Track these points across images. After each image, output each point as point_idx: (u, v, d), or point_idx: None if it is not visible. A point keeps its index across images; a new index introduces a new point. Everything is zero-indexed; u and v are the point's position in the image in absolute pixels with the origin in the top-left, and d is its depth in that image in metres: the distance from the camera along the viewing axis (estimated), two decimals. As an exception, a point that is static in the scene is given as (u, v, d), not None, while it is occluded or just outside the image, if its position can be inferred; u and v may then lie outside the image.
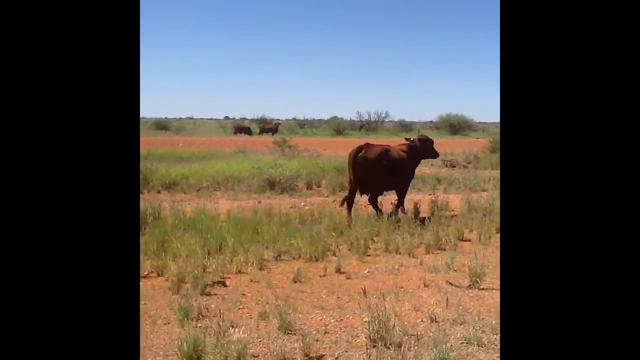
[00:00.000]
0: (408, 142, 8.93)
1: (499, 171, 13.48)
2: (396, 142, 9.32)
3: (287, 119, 59.32)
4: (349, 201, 8.09)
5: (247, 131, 37.66)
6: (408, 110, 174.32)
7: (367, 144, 8.37)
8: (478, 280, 4.76)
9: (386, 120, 47.18)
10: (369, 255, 6.01)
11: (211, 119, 54.18)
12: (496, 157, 16.55)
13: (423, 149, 8.89)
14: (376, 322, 3.48)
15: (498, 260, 5.70)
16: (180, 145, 22.21)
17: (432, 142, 9.16)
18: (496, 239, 6.83)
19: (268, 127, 39.26)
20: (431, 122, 44.54)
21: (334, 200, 9.92)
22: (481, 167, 15.81)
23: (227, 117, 56.26)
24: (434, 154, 9.19)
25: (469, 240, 6.78)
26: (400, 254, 6.04)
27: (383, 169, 7.95)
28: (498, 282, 4.83)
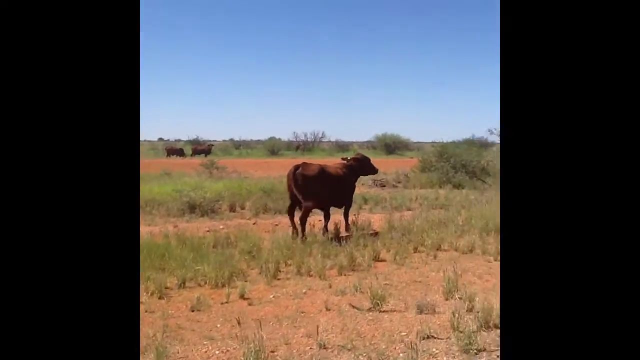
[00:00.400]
0: (344, 161, 9.21)
1: (425, 190, 12.66)
2: (332, 162, 9.52)
3: (223, 140, 58.58)
4: (290, 217, 8.34)
5: (180, 153, 36.87)
6: (345, 130, 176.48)
7: (304, 163, 8.61)
8: (379, 302, 4.62)
9: (323, 140, 47.47)
10: (278, 279, 5.77)
11: (144, 141, 52.69)
12: (425, 177, 16.87)
13: (360, 167, 9.20)
14: (252, 354, 3.25)
15: (410, 280, 5.87)
16: None
17: (368, 159, 9.46)
18: (412, 259, 6.78)
19: (201, 148, 38.62)
20: (368, 142, 45.13)
21: (254, 223, 9.68)
22: (410, 186, 15.95)
23: (160, 139, 54.84)
24: (373, 170, 9.51)
25: (385, 261, 6.68)
26: (311, 276, 5.84)
27: (320, 185, 8.17)
28: (401, 303, 4.78)
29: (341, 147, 45.19)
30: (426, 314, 4.45)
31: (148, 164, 24.80)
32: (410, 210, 11.27)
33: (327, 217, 8.72)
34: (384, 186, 16.02)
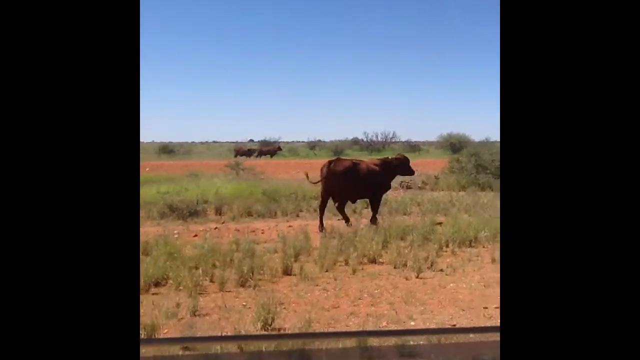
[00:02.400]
0: (384, 159, 9.96)
1: (448, 193, 11.62)
2: (373, 160, 10.25)
3: (298, 141, 59.22)
4: (320, 210, 9.02)
5: (248, 154, 37.52)
6: (416, 130, 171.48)
7: (338, 159, 9.70)
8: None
9: (394, 140, 46.25)
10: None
11: (227, 142, 54.55)
12: (453, 178, 15.65)
13: (398, 167, 9.80)
14: None
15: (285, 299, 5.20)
16: (147, 169, 21.86)
17: (407, 161, 10.04)
18: (331, 273, 6.04)
19: (266, 149, 39.04)
20: (437, 141, 43.35)
21: (215, 227, 9.27)
22: (437, 189, 14.85)
23: (237, 142, 56.64)
24: (410, 172, 10.12)
25: (294, 275, 5.99)
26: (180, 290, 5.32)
27: (350, 180, 8.93)
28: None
29: (412, 147, 43.71)
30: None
31: (203, 165, 25.17)
32: (405, 215, 10.40)
33: (374, 207, 9.42)
34: (410, 188, 15.03)
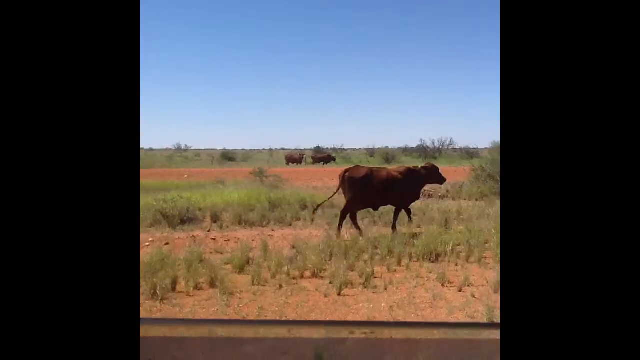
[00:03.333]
0: (410, 168, 10.04)
1: (465, 202, 11.24)
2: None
3: (359, 149, 59.00)
4: (352, 217, 9.27)
5: (299, 160, 37.80)
6: (474, 137, 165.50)
7: (357, 166, 9.92)
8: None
9: (450, 147, 44.89)
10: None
11: (283, 149, 55.33)
12: (476, 187, 14.88)
13: (426, 175, 9.87)
14: None
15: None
16: (185, 176, 22.41)
17: (436, 169, 10.06)
18: (258, 288, 5.83)
19: (320, 156, 39.19)
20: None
21: (192, 236, 9.25)
22: (458, 198, 14.20)
23: (297, 148, 57.45)
24: (440, 180, 10.13)
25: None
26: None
27: (368, 188, 9.14)
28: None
29: (470, 153, 42.15)
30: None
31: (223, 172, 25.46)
32: (402, 225, 9.97)
33: (395, 215, 9.61)
34: (431, 197, 14.46)
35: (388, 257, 7.08)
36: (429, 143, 44.87)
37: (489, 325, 1.49)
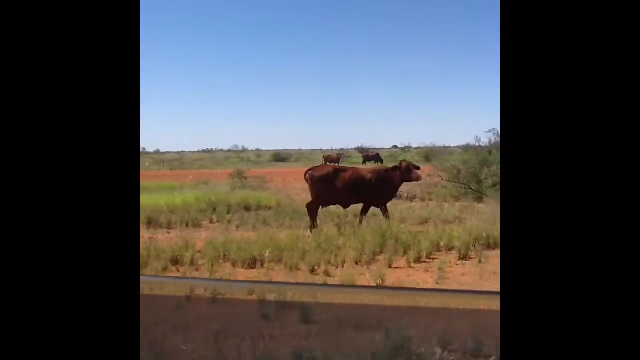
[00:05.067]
0: (382, 167, 10.68)
1: (436, 203, 11.20)
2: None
3: (395, 147, 58.02)
4: (312, 213, 9.64)
5: (337, 161, 38.19)
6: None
7: (322, 165, 10.49)
8: None
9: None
10: None
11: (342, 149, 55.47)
12: (452, 191, 14.67)
13: (399, 174, 10.04)
14: None
15: None
16: (190, 178, 22.38)
17: (408, 168, 10.15)
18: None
19: (371, 155, 39.24)
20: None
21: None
22: (427, 199, 14.14)
23: (342, 148, 56.97)
24: (413, 178, 10.23)
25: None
26: None
27: (330, 186, 9.60)
28: None
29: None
30: None
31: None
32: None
33: (362, 213, 9.78)
34: (401, 198, 14.44)
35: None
36: (484, 140, 43.19)
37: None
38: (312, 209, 9.75)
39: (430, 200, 13.96)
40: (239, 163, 39.43)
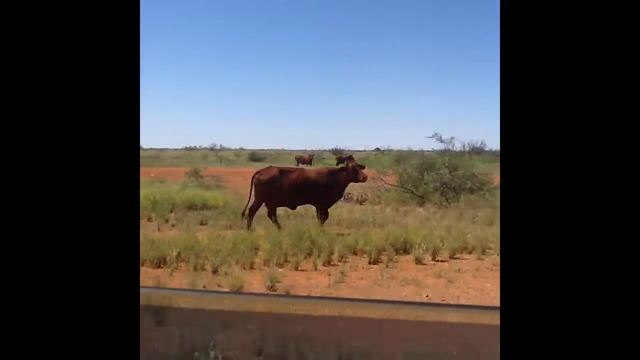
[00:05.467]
0: (329, 168, 10.82)
1: (376, 207, 11.51)
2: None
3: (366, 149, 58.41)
4: (270, 215, 9.78)
5: (309, 162, 38.31)
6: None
7: (268, 167, 10.58)
8: None
9: (484, 149, 41.32)
10: None
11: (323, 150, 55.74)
12: (400, 195, 14.85)
13: (345, 175, 10.22)
14: None
15: None
16: (152, 175, 22.52)
17: (354, 169, 10.25)
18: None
19: (344, 157, 39.26)
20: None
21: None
22: (375, 203, 14.27)
23: (317, 149, 56.99)
24: (357, 179, 10.27)
25: None
26: None
27: (276, 188, 9.73)
28: None
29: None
30: None
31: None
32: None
33: (318, 214, 9.93)
34: (349, 200, 14.57)
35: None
36: (458, 145, 43.15)
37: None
38: (253, 212, 9.82)
39: (379, 203, 14.08)
40: (213, 162, 39.31)
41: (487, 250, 7.96)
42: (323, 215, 9.97)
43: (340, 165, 10.66)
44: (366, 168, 10.85)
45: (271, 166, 10.90)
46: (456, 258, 7.72)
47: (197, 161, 38.05)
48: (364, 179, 10.59)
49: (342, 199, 13.28)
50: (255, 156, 47.70)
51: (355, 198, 14.67)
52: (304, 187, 9.88)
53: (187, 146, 76.88)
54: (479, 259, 7.59)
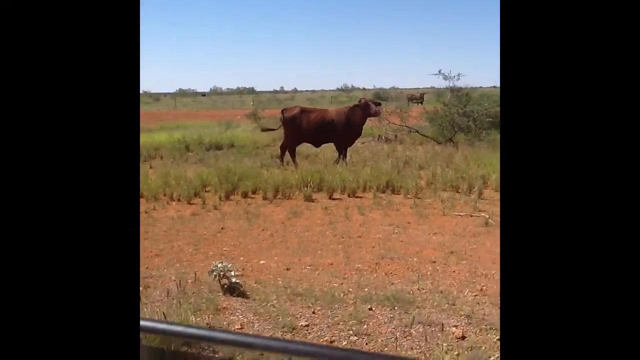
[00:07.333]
0: (349, 107, 10.79)
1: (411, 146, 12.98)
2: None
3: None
4: (290, 150, 10.46)
5: (420, 100, 34.84)
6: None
7: (294, 107, 10.96)
8: None
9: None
10: None
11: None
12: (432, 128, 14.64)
13: (360, 111, 10.44)
14: None
15: None
16: (238, 117, 23.13)
17: (367, 105, 10.51)
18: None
19: (415, 97, 36.42)
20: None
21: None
22: (404, 142, 14.06)
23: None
24: (373, 114, 10.59)
25: None
26: None
27: (298, 126, 10.22)
28: None
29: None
30: None
31: None
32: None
33: (339, 153, 10.46)
34: (391, 139, 14.55)
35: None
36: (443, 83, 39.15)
37: None
38: (284, 149, 10.47)
39: (401, 143, 13.92)
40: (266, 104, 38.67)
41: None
42: (342, 155, 10.33)
43: (354, 104, 10.72)
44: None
45: (296, 106, 11.31)
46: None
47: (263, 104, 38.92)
48: (376, 114, 10.76)
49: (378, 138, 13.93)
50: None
51: (384, 138, 14.52)
52: (322, 126, 10.23)
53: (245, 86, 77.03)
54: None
